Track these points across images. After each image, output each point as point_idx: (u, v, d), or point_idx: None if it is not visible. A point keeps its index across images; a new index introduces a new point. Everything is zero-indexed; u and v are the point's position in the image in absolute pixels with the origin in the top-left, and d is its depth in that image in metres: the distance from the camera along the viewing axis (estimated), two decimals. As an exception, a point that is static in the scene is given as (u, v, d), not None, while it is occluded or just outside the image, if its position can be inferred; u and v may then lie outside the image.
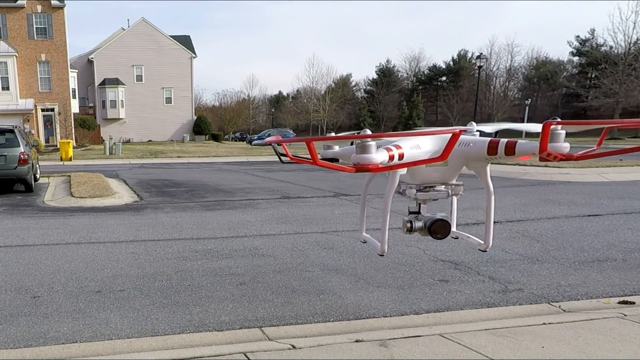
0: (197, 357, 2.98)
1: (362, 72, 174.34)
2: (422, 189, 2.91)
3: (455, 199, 3.30)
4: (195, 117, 47.97)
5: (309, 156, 2.62)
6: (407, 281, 4.60)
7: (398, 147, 2.66)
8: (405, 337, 3.20)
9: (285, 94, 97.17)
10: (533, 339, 3.12)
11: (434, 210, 2.92)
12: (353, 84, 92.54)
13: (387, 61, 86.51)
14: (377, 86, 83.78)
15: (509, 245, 5.88)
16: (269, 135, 48.47)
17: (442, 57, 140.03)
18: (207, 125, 48.53)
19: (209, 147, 36.51)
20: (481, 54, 27.29)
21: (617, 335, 3.14)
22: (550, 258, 5.26)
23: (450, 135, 2.40)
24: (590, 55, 55.91)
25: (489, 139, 2.80)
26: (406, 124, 74.75)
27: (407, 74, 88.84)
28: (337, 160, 3.33)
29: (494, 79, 76.05)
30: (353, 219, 7.69)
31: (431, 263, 5.15)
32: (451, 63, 79.61)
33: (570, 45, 66.53)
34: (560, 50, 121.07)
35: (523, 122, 58.50)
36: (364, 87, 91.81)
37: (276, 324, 3.68)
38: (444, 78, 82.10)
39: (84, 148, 32.93)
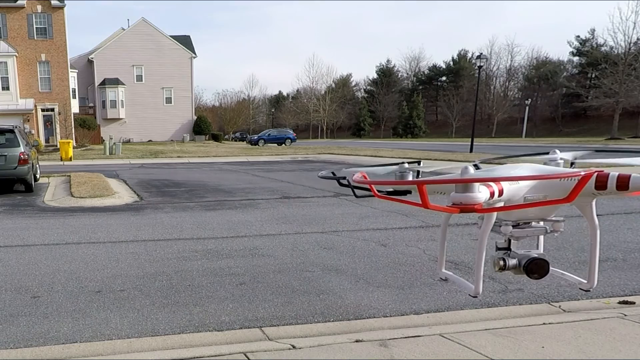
0: (197, 357, 2.98)
1: (362, 72, 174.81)
2: (518, 226, 2.55)
3: (541, 236, 2.95)
4: (195, 117, 47.98)
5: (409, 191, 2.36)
6: (407, 281, 4.60)
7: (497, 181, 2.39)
8: (405, 337, 3.20)
9: (285, 94, 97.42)
10: (533, 339, 3.11)
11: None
12: (353, 84, 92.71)
13: (387, 61, 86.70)
14: (377, 86, 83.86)
15: (509, 245, 5.87)
16: (269, 135, 47.81)
17: (442, 57, 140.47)
18: (207, 125, 48.54)
19: (209, 147, 36.52)
20: (481, 54, 27.26)
21: (617, 335, 3.14)
22: (550, 258, 5.24)
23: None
24: (590, 55, 55.91)
25: (595, 170, 2.55)
26: (406, 124, 74.82)
27: (407, 74, 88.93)
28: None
29: (494, 79, 76.12)
30: (353, 219, 7.68)
31: (431, 263, 5.14)
32: (451, 63, 79.62)
33: (570, 45, 66.65)
34: (560, 50, 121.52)
35: (523, 121, 58.70)
36: (364, 87, 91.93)
37: (276, 324, 3.67)
38: (444, 78, 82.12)
39: (84, 148, 32.94)
